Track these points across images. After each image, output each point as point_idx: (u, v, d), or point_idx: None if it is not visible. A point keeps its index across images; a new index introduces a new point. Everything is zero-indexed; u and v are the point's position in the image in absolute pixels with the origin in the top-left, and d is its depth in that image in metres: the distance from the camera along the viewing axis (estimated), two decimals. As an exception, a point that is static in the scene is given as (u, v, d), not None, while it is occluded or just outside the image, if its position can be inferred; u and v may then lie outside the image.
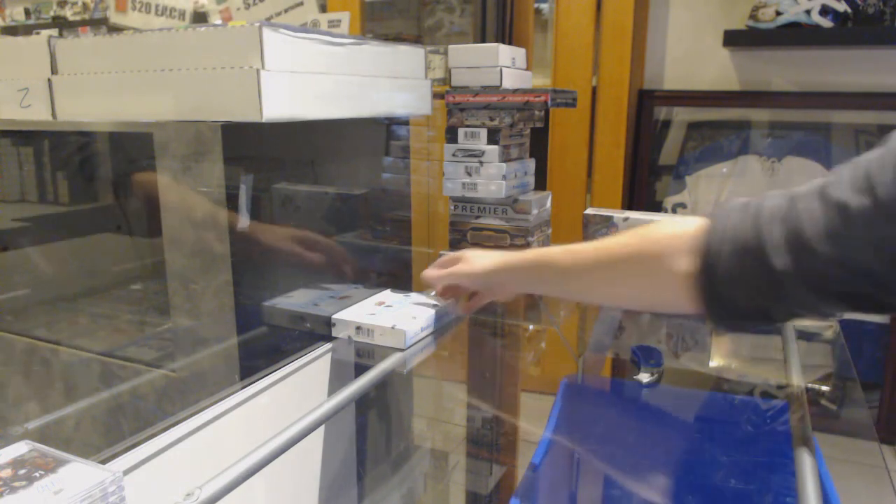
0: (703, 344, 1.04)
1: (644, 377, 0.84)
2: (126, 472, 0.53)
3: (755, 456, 0.79)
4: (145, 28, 1.47)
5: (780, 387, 0.83)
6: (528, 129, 1.13)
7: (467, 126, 1.04)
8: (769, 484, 0.81)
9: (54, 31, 2.99)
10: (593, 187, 2.06)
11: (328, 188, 1.00)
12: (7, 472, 0.44)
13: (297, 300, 0.90)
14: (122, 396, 0.87)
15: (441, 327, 0.88)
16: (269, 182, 0.88)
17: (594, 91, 2.01)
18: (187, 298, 0.79)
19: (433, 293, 0.92)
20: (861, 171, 0.50)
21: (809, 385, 0.81)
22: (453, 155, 1.06)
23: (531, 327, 1.22)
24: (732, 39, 1.82)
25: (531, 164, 1.14)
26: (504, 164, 1.03)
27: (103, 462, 0.51)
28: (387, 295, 0.95)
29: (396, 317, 0.85)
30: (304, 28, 0.76)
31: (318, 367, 0.80)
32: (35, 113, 0.84)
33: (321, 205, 0.98)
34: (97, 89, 0.79)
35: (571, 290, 0.77)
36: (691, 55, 2.02)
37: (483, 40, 2.18)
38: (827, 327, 0.95)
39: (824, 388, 0.86)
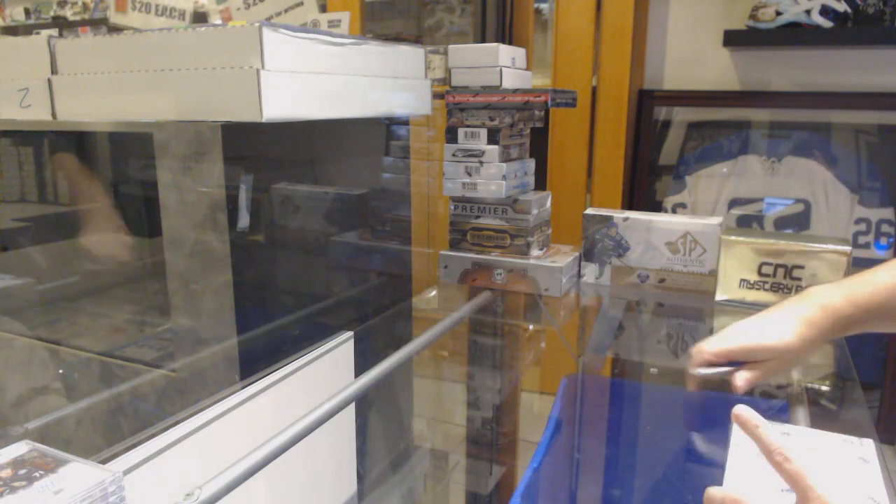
0: (703, 344, 1.04)
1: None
2: (126, 472, 0.53)
3: (755, 456, 0.80)
4: (145, 28, 1.47)
5: (779, 387, 0.83)
6: (528, 129, 1.13)
7: (467, 126, 1.04)
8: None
9: (54, 31, 2.99)
10: (593, 187, 2.06)
11: (328, 188, 0.99)
12: (7, 472, 0.44)
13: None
14: (122, 396, 0.86)
15: None
16: (269, 182, 0.88)
17: (594, 91, 2.01)
18: (187, 298, 0.79)
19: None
20: None
21: (809, 385, 0.81)
22: (453, 155, 1.06)
23: (531, 327, 1.22)
24: (732, 39, 1.82)
25: (531, 164, 1.14)
26: (504, 164, 1.03)
27: (103, 462, 0.51)
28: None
29: None
30: (304, 28, 0.76)
31: (318, 367, 0.80)
32: (35, 113, 0.84)
33: (321, 205, 0.98)
34: (97, 89, 0.79)
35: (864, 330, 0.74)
36: (691, 55, 2.02)
37: (483, 40, 2.18)
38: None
39: (824, 388, 0.86)
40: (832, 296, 0.71)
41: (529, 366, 1.31)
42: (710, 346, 0.73)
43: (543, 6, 2.33)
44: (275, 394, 0.72)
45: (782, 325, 0.71)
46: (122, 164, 1.01)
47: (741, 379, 0.72)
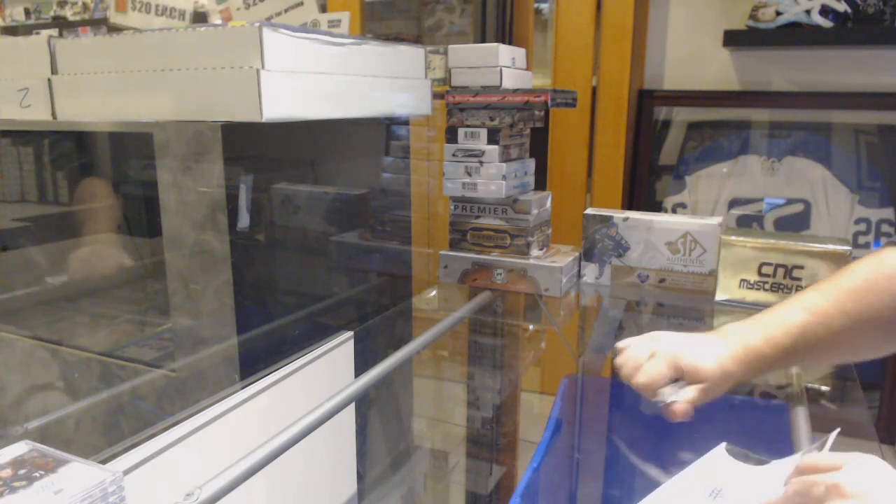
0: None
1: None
2: (126, 472, 0.53)
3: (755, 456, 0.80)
4: (145, 28, 1.47)
5: (779, 387, 0.83)
6: (528, 129, 1.13)
7: (467, 126, 1.04)
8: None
9: (54, 31, 2.99)
10: (593, 187, 2.06)
11: (328, 188, 1.00)
12: (7, 472, 0.44)
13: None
14: (122, 396, 0.86)
15: None
16: (269, 182, 0.88)
17: (594, 91, 2.01)
18: (187, 298, 0.79)
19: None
20: None
21: (809, 385, 0.81)
22: (453, 155, 1.06)
23: (531, 327, 1.22)
24: (732, 39, 1.82)
25: (531, 164, 1.14)
26: (504, 164, 1.03)
27: (103, 462, 0.51)
28: (723, 462, 0.65)
29: None
30: (304, 28, 0.76)
31: (318, 367, 0.80)
32: (35, 113, 0.84)
33: (321, 205, 0.98)
34: (97, 89, 0.79)
35: (821, 357, 0.70)
36: (691, 55, 2.02)
37: (483, 40, 2.18)
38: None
39: (824, 388, 0.86)
40: (752, 335, 0.68)
41: (529, 366, 1.31)
42: (654, 368, 0.67)
43: (543, 6, 2.33)
44: (275, 394, 0.72)
45: (711, 352, 0.67)
46: (122, 164, 1.01)
47: (683, 406, 0.66)
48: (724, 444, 0.66)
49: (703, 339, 0.70)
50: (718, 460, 0.65)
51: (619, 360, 0.72)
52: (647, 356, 0.69)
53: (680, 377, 0.68)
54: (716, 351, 0.67)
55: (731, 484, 0.61)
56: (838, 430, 0.59)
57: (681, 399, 0.66)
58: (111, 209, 1.03)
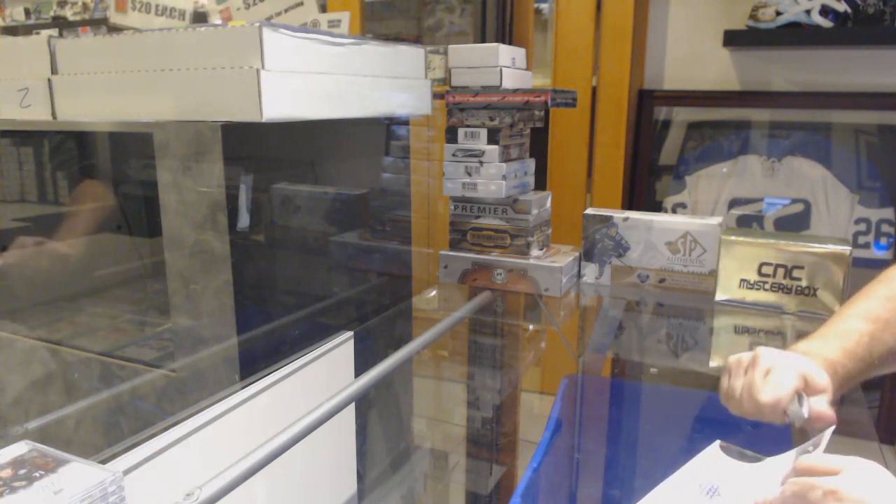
0: (703, 344, 1.04)
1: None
2: (126, 472, 0.53)
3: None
4: (145, 28, 1.47)
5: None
6: (528, 129, 1.13)
7: (467, 126, 1.04)
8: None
9: (54, 31, 2.99)
10: (593, 187, 2.06)
11: (328, 188, 0.99)
12: (7, 472, 0.44)
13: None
14: (122, 396, 0.86)
15: None
16: (269, 182, 0.88)
17: (594, 91, 2.01)
18: (187, 298, 0.79)
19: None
20: None
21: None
22: (453, 155, 1.06)
23: (531, 327, 1.22)
24: (732, 39, 1.82)
25: (531, 164, 1.14)
26: (504, 164, 1.03)
27: (103, 462, 0.51)
28: (719, 462, 0.65)
29: None
30: (304, 28, 0.76)
31: (318, 367, 0.80)
32: (35, 113, 0.84)
33: (321, 205, 0.98)
34: (97, 89, 0.79)
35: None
36: (691, 55, 2.02)
37: (483, 40, 2.18)
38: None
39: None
40: (831, 350, 0.65)
41: (529, 366, 1.31)
42: (782, 391, 0.60)
43: (543, 6, 2.33)
44: (275, 394, 0.72)
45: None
46: (122, 164, 1.01)
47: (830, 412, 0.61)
48: (718, 442, 0.66)
49: (795, 355, 0.65)
50: (713, 458, 0.65)
51: (727, 383, 0.65)
52: (763, 372, 0.62)
53: (801, 390, 0.61)
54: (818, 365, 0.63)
55: (726, 482, 0.61)
56: (833, 427, 0.59)
57: (821, 407, 0.60)
58: (107, 210, 1.03)
